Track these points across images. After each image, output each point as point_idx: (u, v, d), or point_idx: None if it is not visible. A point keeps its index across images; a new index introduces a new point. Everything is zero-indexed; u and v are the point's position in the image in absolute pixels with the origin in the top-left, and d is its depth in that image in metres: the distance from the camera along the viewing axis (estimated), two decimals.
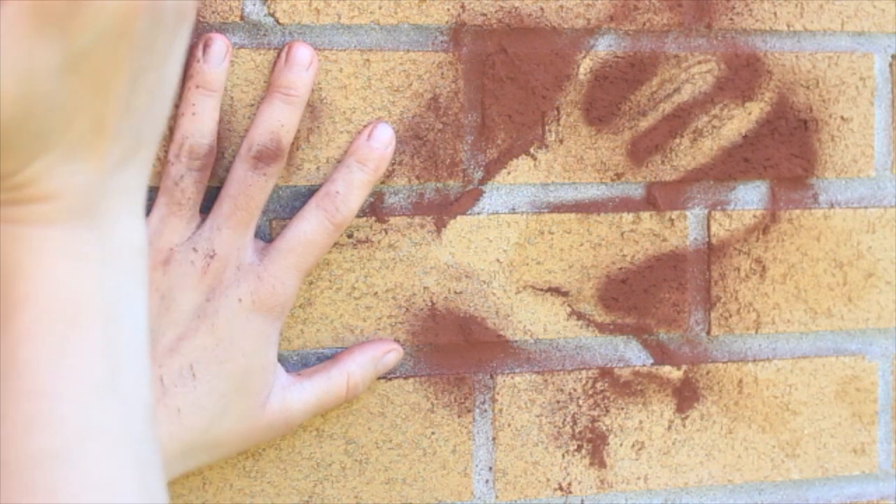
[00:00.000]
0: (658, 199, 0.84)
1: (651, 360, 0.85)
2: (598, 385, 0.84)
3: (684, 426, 0.85)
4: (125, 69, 0.54)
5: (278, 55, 0.76)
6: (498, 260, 0.81)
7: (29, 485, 0.52)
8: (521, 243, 0.82)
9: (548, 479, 0.83)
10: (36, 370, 0.53)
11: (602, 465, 0.84)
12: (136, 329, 0.56)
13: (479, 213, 0.81)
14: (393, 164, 0.79)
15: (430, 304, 0.80)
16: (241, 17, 0.76)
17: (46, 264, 0.54)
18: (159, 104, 0.57)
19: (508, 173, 0.81)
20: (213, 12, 0.75)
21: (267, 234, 0.77)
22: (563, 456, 0.83)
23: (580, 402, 0.83)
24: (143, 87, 0.55)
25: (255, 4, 0.76)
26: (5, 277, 0.54)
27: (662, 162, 0.84)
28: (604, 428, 0.84)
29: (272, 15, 0.77)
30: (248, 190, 0.74)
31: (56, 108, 0.53)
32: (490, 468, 0.82)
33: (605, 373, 0.84)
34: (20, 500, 0.52)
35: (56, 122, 0.53)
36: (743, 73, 0.85)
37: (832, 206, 0.87)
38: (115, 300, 0.55)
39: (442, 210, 0.80)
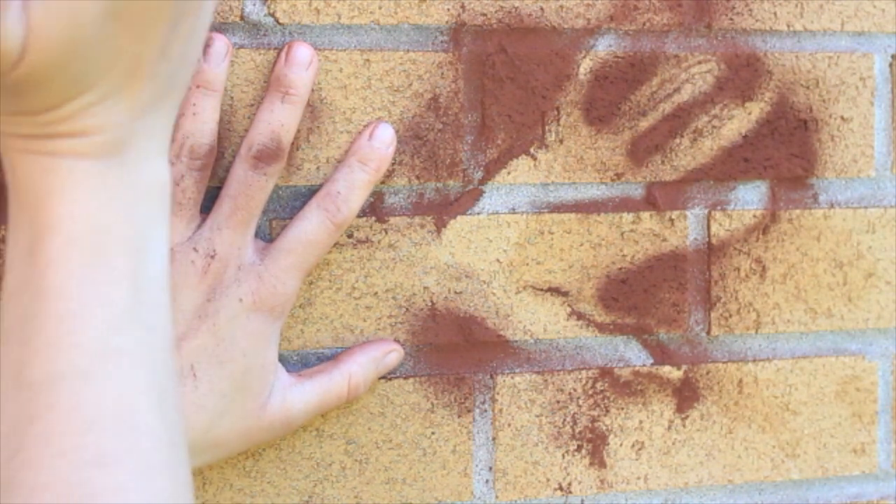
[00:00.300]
0: (658, 199, 0.84)
1: (651, 360, 0.85)
2: (598, 385, 0.84)
3: (684, 426, 0.85)
4: (166, 16, 0.55)
5: (278, 55, 0.76)
6: (498, 260, 0.81)
7: (51, 403, 0.53)
8: (521, 243, 0.82)
9: (548, 479, 0.83)
10: (62, 293, 0.54)
11: (602, 465, 0.84)
12: (158, 264, 0.58)
13: (479, 213, 0.81)
14: (393, 164, 0.79)
15: (430, 304, 0.80)
16: (241, 17, 0.76)
17: (75, 193, 0.55)
18: (192, 50, 0.58)
19: (508, 173, 0.81)
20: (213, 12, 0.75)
21: (267, 234, 0.77)
22: (563, 456, 0.83)
23: (580, 402, 0.83)
24: (180, 33, 0.57)
25: (255, 4, 0.76)
26: (35, 204, 0.55)
27: (662, 162, 0.84)
28: (604, 428, 0.84)
29: (272, 15, 0.76)
30: (248, 190, 0.74)
31: (98, 52, 0.54)
32: (490, 468, 0.82)
33: (605, 373, 0.84)
34: (44, 419, 0.53)
35: (97, 65, 0.54)
36: (743, 73, 0.85)
37: (832, 206, 0.87)
38: (139, 234, 0.57)
39: (442, 210, 0.80)
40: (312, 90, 0.77)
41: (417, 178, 0.80)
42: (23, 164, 0.56)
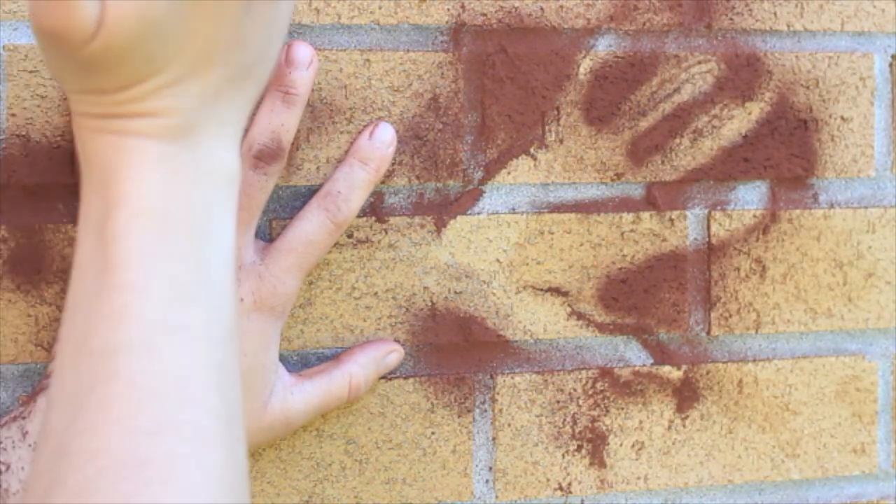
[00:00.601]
0: (658, 199, 0.84)
1: (651, 360, 0.85)
2: (598, 385, 0.84)
3: (684, 426, 0.85)
4: None
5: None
6: (498, 260, 0.81)
7: (111, 373, 0.54)
8: (521, 243, 0.82)
9: (548, 479, 0.83)
10: (126, 266, 0.56)
11: (602, 465, 0.84)
12: (222, 248, 0.59)
13: (479, 213, 0.81)
14: (393, 164, 0.79)
15: (430, 304, 0.80)
16: None
17: (142, 171, 0.56)
18: (271, 45, 0.59)
19: (508, 173, 0.81)
20: None
21: (267, 234, 0.77)
22: (563, 456, 0.83)
23: (580, 402, 0.83)
24: (256, 19, 0.57)
25: None
26: (104, 181, 0.56)
27: (662, 162, 0.84)
28: (604, 428, 0.84)
29: None
30: (249, 189, 0.74)
31: (171, 32, 0.55)
32: (490, 468, 0.82)
33: (605, 373, 0.84)
34: (103, 387, 0.54)
35: (170, 46, 0.55)
36: (743, 73, 0.85)
37: (832, 206, 0.87)
38: (204, 217, 0.58)
39: (442, 210, 0.80)
40: (312, 90, 0.77)
41: (417, 178, 0.80)
42: (94, 143, 0.57)
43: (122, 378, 0.54)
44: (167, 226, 0.56)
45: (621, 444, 0.84)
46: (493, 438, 0.82)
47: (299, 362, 0.79)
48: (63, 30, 0.53)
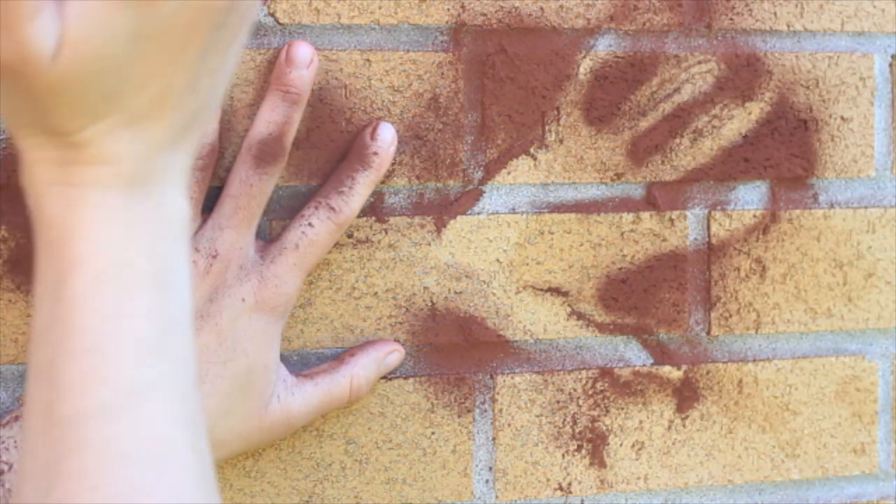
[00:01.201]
0: (658, 199, 0.84)
1: (651, 360, 0.85)
2: (598, 385, 0.84)
3: (684, 426, 0.85)
4: (198, 43, 0.55)
5: (278, 54, 0.76)
6: (498, 260, 0.81)
7: (83, 440, 0.53)
8: (521, 243, 0.82)
9: (548, 479, 0.83)
10: (89, 330, 0.54)
11: (602, 465, 0.84)
12: (182, 296, 0.58)
13: (479, 213, 0.81)
14: (393, 164, 0.79)
15: (430, 304, 0.80)
16: None
17: (100, 228, 0.55)
18: (217, 89, 0.58)
19: (508, 173, 0.81)
20: None
21: (267, 234, 0.77)
22: (563, 456, 0.83)
23: (580, 402, 0.83)
24: (210, 66, 0.57)
25: None
26: (58, 239, 0.55)
27: (662, 162, 0.84)
28: (604, 428, 0.84)
29: (272, 15, 0.76)
30: (250, 189, 0.74)
31: (128, 73, 0.54)
32: (490, 468, 0.82)
33: (605, 373, 0.84)
34: (76, 456, 0.53)
35: (126, 86, 0.54)
36: (743, 73, 0.85)
37: (832, 206, 0.87)
38: (163, 268, 0.57)
39: (442, 210, 0.80)
40: (312, 90, 0.77)
41: (417, 178, 0.80)
42: (49, 198, 0.55)
43: (94, 445, 0.53)
44: (127, 283, 0.55)
45: (621, 444, 0.84)
46: (493, 438, 0.82)
47: (299, 362, 0.79)
48: (18, 60, 0.51)
